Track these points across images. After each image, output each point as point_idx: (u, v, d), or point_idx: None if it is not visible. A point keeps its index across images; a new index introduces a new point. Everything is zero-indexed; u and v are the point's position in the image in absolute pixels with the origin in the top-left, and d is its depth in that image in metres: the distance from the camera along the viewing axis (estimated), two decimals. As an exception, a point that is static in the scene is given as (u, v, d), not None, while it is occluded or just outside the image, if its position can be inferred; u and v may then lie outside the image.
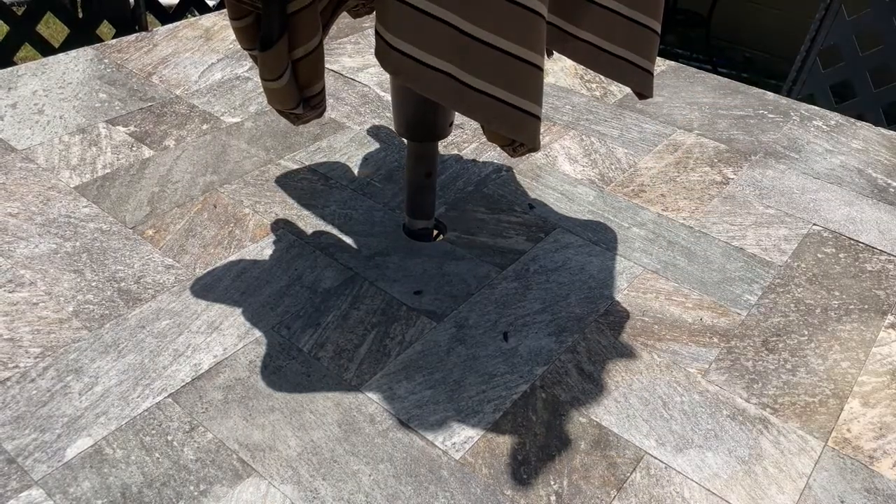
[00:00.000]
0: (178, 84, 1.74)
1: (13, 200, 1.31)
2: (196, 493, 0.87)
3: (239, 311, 1.12)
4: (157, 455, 0.91)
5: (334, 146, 1.55)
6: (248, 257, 1.23)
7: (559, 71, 1.93)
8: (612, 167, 1.55)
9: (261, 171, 1.45)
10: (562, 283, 1.22)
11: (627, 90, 1.86)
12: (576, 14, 0.93)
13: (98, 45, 1.90)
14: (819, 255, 1.34)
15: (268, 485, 0.88)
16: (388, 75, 1.83)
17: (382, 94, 1.77)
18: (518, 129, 0.85)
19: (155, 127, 1.57)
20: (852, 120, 1.80)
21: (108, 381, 1.00)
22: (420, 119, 1.13)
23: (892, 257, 1.36)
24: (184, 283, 1.16)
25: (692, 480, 0.95)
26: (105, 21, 2.31)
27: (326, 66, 1.86)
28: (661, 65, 2.00)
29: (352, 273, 1.21)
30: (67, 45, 2.18)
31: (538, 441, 0.96)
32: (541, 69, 0.84)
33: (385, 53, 0.82)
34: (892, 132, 1.75)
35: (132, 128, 1.56)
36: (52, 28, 3.33)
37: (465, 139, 1.61)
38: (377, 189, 1.43)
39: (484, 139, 1.61)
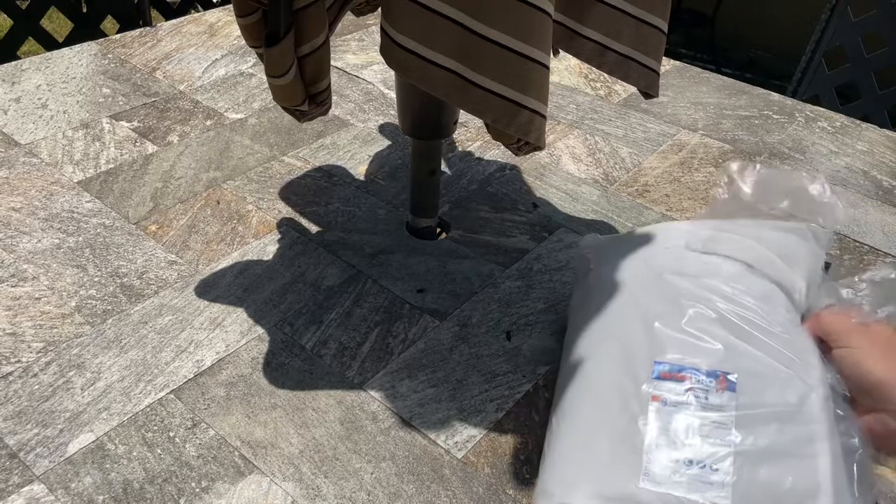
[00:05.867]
0: (181, 80, 1.74)
1: (16, 195, 1.31)
2: (198, 490, 0.87)
3: (241, 307, 1.12)
4: (158, 451, 0.91)
5: (338, 143, 1.55)
6: (250, 254, 1.23)
7: (563, 70, 1.93)
8: (617, 167, 1.55)
9: (264, 168, 1.45)
10: (565, 283, 1.22)
11: (632, 89, 1.86)
12: (582, 12, 0.92)
13: (102, 39, 1.90)
14: (823, 257, 1.33)
15: (269, 482, 0.88)
16: (392, 72, 1.82)
17: (387, 91, 1.76)
18: (524, 128, 0.85)
19: (158, 122, 1.57)
20: (857, 121, 1.79)
21: (111, 376, 1.00)
22: (425, 117, 1.12)
23: (896, 260, 1.35)
24: (186, 280, 1.16)
25: (695, 482, 0.95)
26: (109, 16, 2.31)
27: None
28: (665, 64, 1.99)
29: (355, 270, 1.21)
30: (71, 40, 2.18)
31: (541, 441, 0.96)
32: (547, 67, 0.84)
33: (390, 50, 0.82)
34: (897, 134, 1.75)
35: (136, 123, 1.56)
36: (55, 22, 3.33)
37: (470, 137, 1.60)
38: (381, 186, 1.42)
39: (488, 137, 1.61)
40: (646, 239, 1.03)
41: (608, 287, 0.98)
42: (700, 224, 1.03)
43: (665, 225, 1.07)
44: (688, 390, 0.81)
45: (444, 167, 1.49)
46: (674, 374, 0.83)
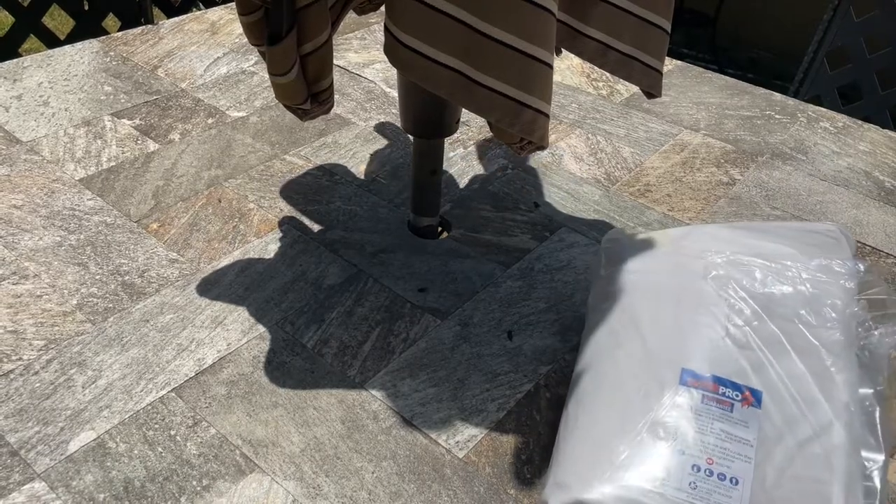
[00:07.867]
0: (183, 77, 1.74)
1: (18, 192, 1.31)
2: (199, 489, 0.87)
3: (243, 306, 1.12)
4: (159, 449, 0.91)
5: (339, 142, 1.55)
6: (252, 252, 1.23)
7: (566, 69, 1.93)
8: (618, 166, 1.54)
9: (266, 167, 1.44)
10: (567, 283, 1.22)
11: (634, 89, 1.86)
12: (585, 12, 0.92)
13: (104, 37, 1.90)
14: (825, 258, 1.33)
15: (270, 481, 0.88)
16: (394, 71, 1.82)
17: (388, 90, 1.76)
18: (528, 127, 0.85)
19: (160, 120, 1.56)
20: (859, 122, 1.79)
21: (112, 374, 1.00)
22: (426, 116, 1.12)
23: (898, 260, 1.35)
24: (188, 278, 1.16)
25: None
26: (111, 14, 2.31)
27: (332, 61, 1.85)
28: (668, 64, 1.99)
29: (356, 269, 1.21)
30: (73, 38, 2.18)
31: (542, 440, 0.96)
32: (551, 67, 0.84)
33: (394, 49, 0.82)
34: (899, 135, 1.75)
35: (137, 121, 1.55)
36: (57, 20, 3.32)
37: (471, 136, 1.60)
38: (382, 185, 1.42)
39: (490, 136, 1.60)
40: (672, 240, 1.02)
41: (633, 286, 0.97)
42: (727, 226, 1.02)
43: (691, 227, 1.07)
44: (713, 401, 0.81)
45: (445, 166, 1.49)
46: (700, 383, 0.82)
